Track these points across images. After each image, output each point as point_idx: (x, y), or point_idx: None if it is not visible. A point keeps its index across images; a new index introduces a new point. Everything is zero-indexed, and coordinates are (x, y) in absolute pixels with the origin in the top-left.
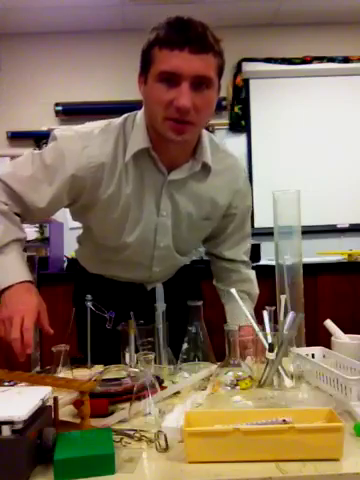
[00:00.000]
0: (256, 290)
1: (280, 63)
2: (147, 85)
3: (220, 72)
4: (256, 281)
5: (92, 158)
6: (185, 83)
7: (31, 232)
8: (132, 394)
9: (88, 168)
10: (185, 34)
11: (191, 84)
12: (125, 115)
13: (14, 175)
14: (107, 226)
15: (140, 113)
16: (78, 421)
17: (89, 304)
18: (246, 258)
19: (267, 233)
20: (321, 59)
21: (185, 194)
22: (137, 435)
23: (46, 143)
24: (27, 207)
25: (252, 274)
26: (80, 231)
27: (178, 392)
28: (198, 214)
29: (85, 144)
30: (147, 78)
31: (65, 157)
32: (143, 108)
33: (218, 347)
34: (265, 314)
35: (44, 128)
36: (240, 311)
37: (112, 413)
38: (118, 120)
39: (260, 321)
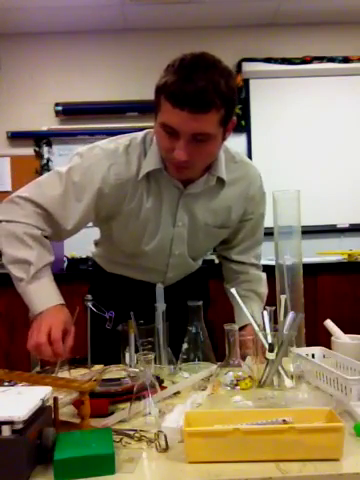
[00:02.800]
0: (264, 289)
1: (280, 63)
2: (156, 123)
3: (226, 120)
4: (266, 282)
5: (118, 175)
6: (183, 138)
7: None
8: (132, 394)
9: (114, 185)
10: (187, 93)
11: (189, 139)
12: (145, 132)
13: (43, 194)
14: (126, 235)
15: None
16: (78, 421)
17: (89, 304)
18: (256, 261)
19: (267, 233)
20: (321, 59)
21: (201, 205)
22: (137, 435)
23: (46, 143)
24: (57, 227)
25: (262, 275)
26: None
27: (178, 392)
28: (214, 223)
29: (111, 162)
30: (156, 117)
31: (93, 175)
32: None
33: (219, 347)
34: (265, 314)
35: (44, 128)
36: (244, 311)
37: (112, 413)
38: (139, 138)
39: None
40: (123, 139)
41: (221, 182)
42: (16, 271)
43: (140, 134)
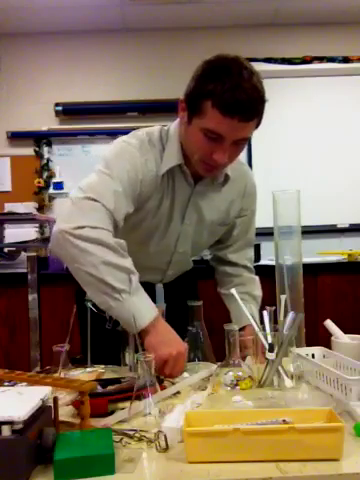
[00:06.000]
0: (259, 292)
1: (280, 63)
2: (190, 126)
3: (259, 123)
4: (259, 285)
5: (151, 171)
6: (226, 144)
7: (31, 232)
8: (132, 392)
9: (149, 180)
10: (240, 102)
11: (231, 143)
12: (158, 128)
13: (101, 194)
14: (136, 233)
15: (173, 127)
16: (78, 421)
17: (89, 304)
18: (249, 264)
19: (267, 233)
20: (321, 59)
21: (207, 203)
22: (137, 435)
23: (46, 143)
24: (115, 226)
25: (255, 278)
26: None
27: (178, 392)
28: (218, 220)
29: (145, 157)
30: (191, 120)
31: (136, 169)
32: (176, 123)
33: (218, 347)
34: (265, 314)
35: (44, 128)
36: (243, 312)
37: (112, 413)
38: (155, 134)
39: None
40: (141, 135)
41: (225, 180)
42: (116, 282)
43: (155, 130)
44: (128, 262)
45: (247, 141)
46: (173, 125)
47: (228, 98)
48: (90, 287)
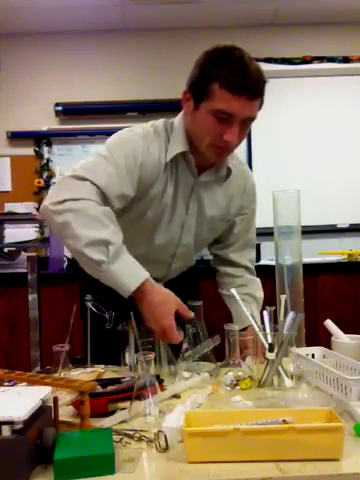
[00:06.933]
0: (260, 294)
1: (280, 63)
2: (198, 111)
3: (260, 106)
4: (261, 286)
5: (153, 156)
6: (236, 123)
7: (31, 232)
8: (132, 392)
9: (151, 166)
10: (246, 80)
11: (239, 123)
12: (163, 120)
13: (96, 175)
14: (141, 224)
15: (178, 119)
16: (78, 421)
17: (89, 304)
18: (250, 265)
19: (267, 233)
20: (321, 59)
21: (208, 196)
22: (137, 435)
23: (46, 143)
24: (108, 203)
25: (257, 279)
26: None
27: (178, 396)
28: (217, 215)
29: (148, 144)
30: (199, 105)
31: (136, 155)
32: (181, 114)
33: (218, 347)
34: (265, 314)
35: (44, 128)
36: (243, 312)
37: (112, 413)
38: (160, 125)
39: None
40: (146, 126)
41: (227, 174)
42: (94, 254)
43: (159, 122)
44: (106, 232)
45: (252, 122)
46: (177, 118)
47: (235, 78)
48: (78, 259)
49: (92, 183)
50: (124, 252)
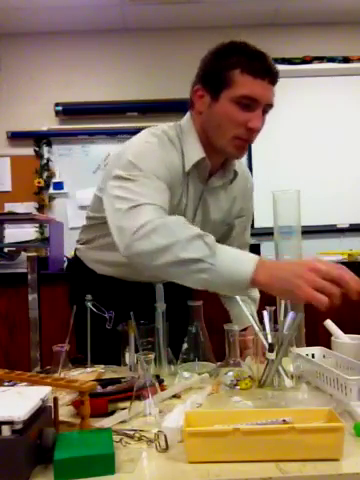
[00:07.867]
0: (256, 293)
1: (280, 63)
2: (218, 103)
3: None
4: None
5: (174, 167)
6: (259, 108)
7: (31, 232)
8: (132, 392)
9: (177, 178)
10: (266, 65)
11: (262, 109)
12: (172, 125)
13: (142, 196)
14: None
15: (186, 122)
16: (78, 421)
17: (89, 304)
18: None
19: (267, 233)
20: (321, 59)
21: (214, 201)
22: (137, 435)
23: (46, 143)
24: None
25: None
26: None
27: (178, 396)
28: (220, 219)
29: (170, 156)
30: (219, 96)
31: (165, 165)
32: (188, 117)
33: (218, 347)
34: (265, 314)
35: (44, 128)
36: (243, 313)
37: (112, 412)
38: (170, 131)
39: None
40: (160, 134)
41: (233, 175)
42: (192, 253)
43: (170, 128)
44: (192, 229)
45: (269, 111)
46: (184, 121)
47: (257, 63)
48: (179, 275)
49: (149, 204)
50: (218, 244)
